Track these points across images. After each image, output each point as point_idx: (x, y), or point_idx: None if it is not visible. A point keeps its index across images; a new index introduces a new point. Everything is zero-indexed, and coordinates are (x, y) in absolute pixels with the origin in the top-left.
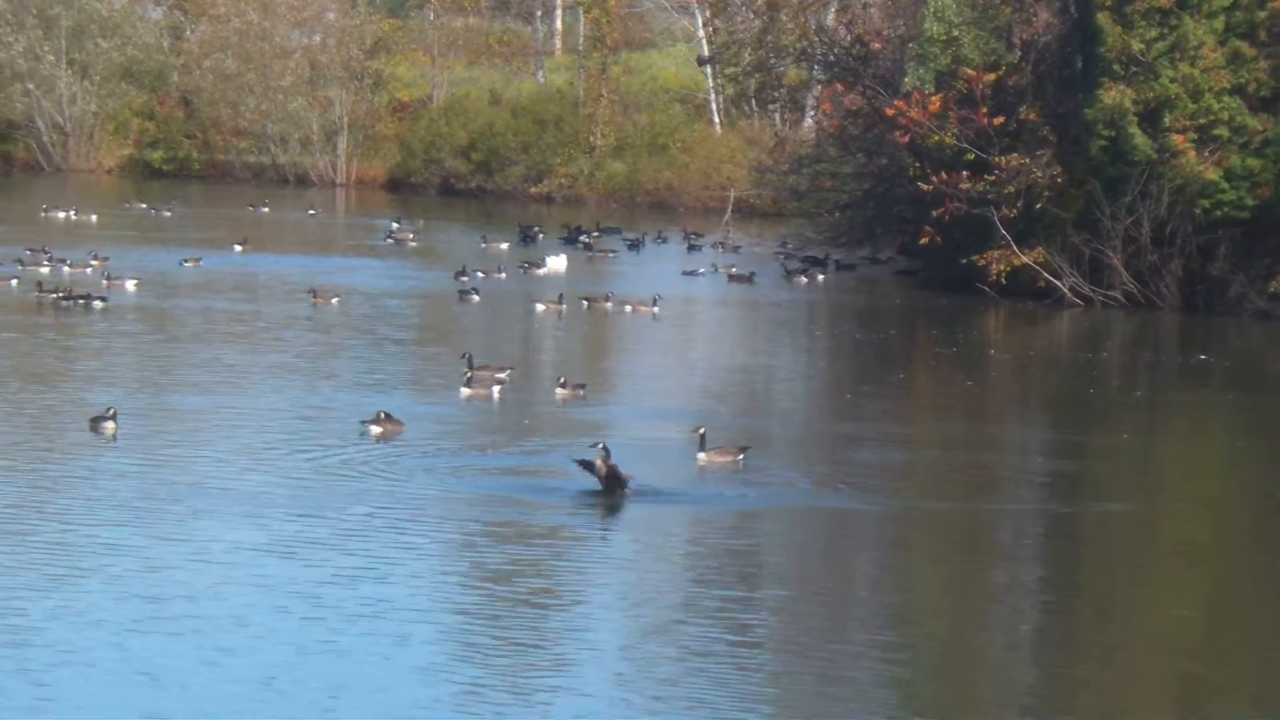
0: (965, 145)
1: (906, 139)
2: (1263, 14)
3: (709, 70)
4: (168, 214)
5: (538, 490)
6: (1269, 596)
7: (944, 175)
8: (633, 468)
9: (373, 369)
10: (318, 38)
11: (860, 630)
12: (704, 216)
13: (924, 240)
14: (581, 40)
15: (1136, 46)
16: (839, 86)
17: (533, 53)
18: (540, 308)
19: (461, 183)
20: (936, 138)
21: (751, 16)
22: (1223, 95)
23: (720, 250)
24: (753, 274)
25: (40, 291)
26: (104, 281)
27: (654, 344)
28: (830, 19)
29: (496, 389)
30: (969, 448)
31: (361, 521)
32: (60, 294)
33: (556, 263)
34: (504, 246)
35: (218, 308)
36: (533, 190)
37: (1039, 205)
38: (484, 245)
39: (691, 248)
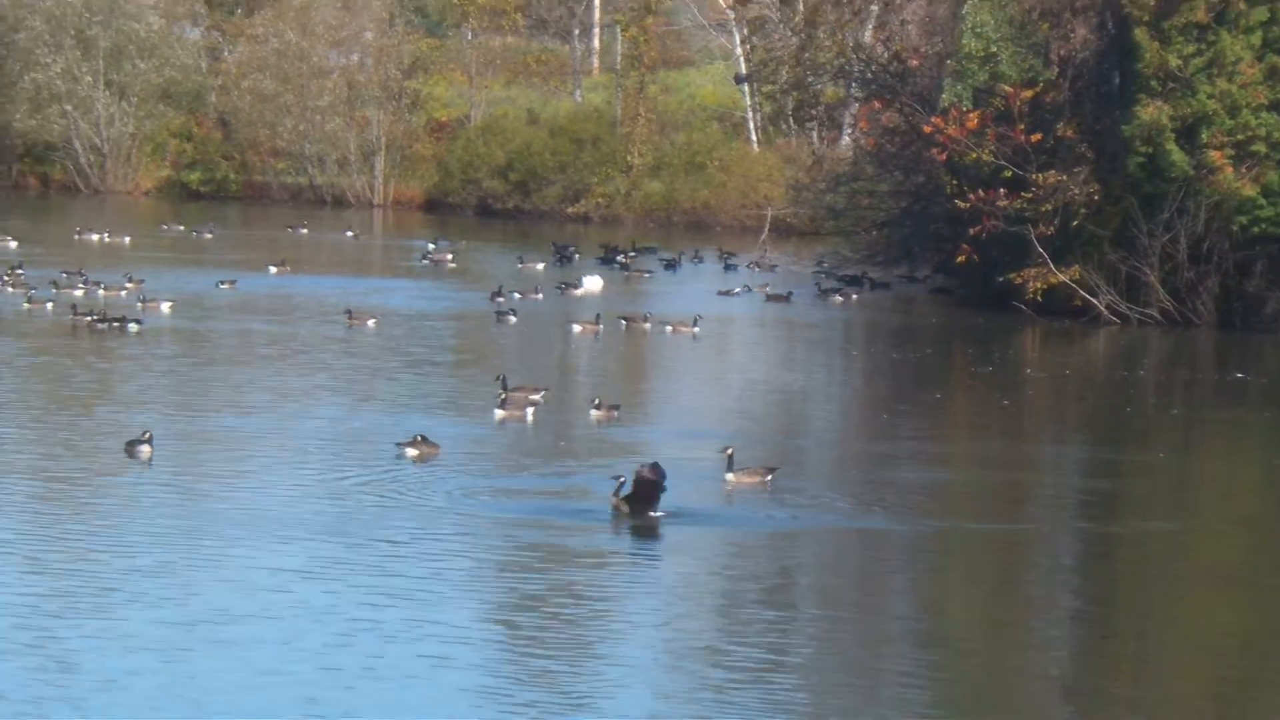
0: (1002, 162)
1: (944, 156)
2: None
3: (746, 88)
4: (209, 236)
5: (571, 512)
6: None
7: (981, 193)
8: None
9: (408, 390)
10: (355, 58)
11: (897, 650)
12: (741, 235)
13: (961, 258)
14: (619, 59)
15: (1174, 62)
16: (876, 104)
17: (570, 72)
18: (577, 328)
19: (499, 203)
20: (974, 155)
21: (789, 34)
22: (1260, 111)
23: (756, 270)
24: (790, 293)
25: (75, 314)
26: (139, 304)
27: (690, 364)
28: (868, 36)
29: (530, 411)
30: (1005, 467)
31: (399, 544)
32: (95, 317)
33: (592, 283)
34: (540, 267)
35: (253, 329)
36: (570, 210)
37: (1076, 223)
38: (520, 266)
39: (727, 267)
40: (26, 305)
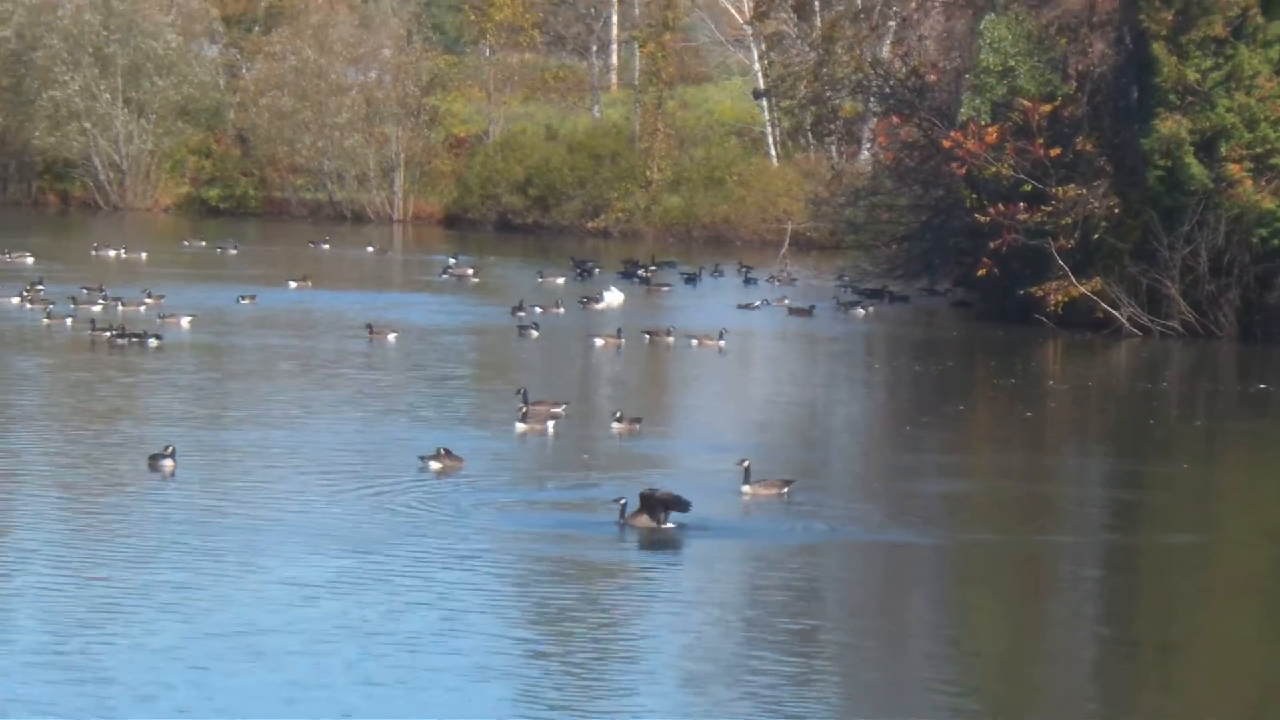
0: (1022, 176)
1: (963, 170)
2: None
3: (765, 103)
4: (233, 252)
5: (593, 525)
6: None
7: (1001, 207)
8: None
9: (430, 404)
10: (373, 74)
11: (921, 662)
12: (761, 250)
13: (981, 272)
14: (637, 75)
15: (1192, 76)
16: (895, 119)
17: (588, 88)
18: (599, 342)
19: (518, 218)
20: (993, 169)
21: (807, 49)
22: (1278, 124)
23: (776, 284)
24: (812, 307)
25: (94, 330)
26: (159, 319)
27: (712, 378)
28: (885, 51)
29: (551, 424)
30: (1029, 479)
31: (425, 556)
32: (114, 332)
33: (613, 297)
34: (560, 282)
35: (274, 344)
36: (589, 225)
37: (1096, 236)
38: (540, 281)
39: (747, 281)
40: (46, 321)
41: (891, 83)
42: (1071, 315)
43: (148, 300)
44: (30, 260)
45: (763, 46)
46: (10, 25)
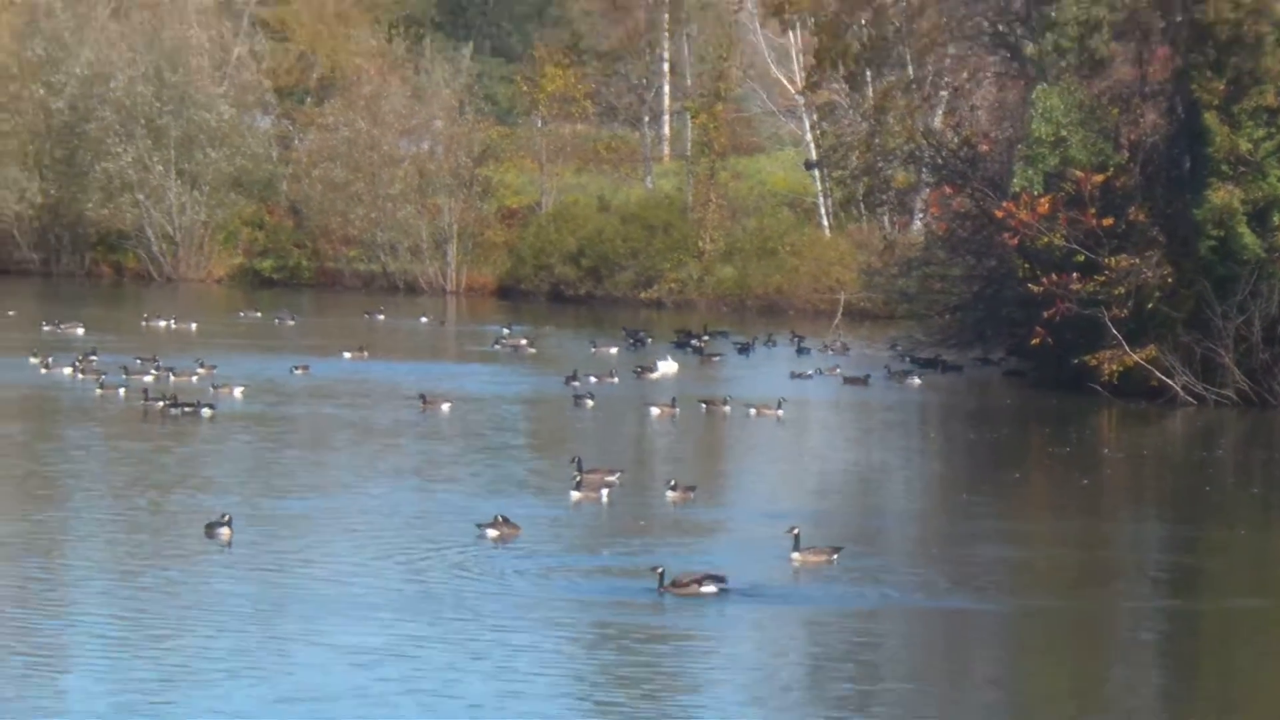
0: (1074, 246)
1: (1015, 240)
2: None
3: (816, 174)
4: (290, 323)
5: (648, 592)
6: None
7: (1054, 276)
8: (734, 568)
9: (484, 473)
10: (426, 146)
11: None
12: (814, 319)
13: (1035, 341)
14: (689, 145)
15: (1244, 146)
16: (947, 189)
17: (641, 158)
18: (655, 411)
19: (571, 289)
20: (1045, 239)
21: (859, 120)
22: None
23: (829, 353)
24: (868, 376)
25: (147, 399)
26: (212, 389)
27: (767, 446)
28: (937, 122)
29: (605, 492)
30: (1085, 545)
31: (482, 622)
32: (167, 401)
33: (667, 367)
34: (613, 351)
35: (327, 414)
36: (642, 295)
37: (1150, 305)
38: (594, 350)
39: (800, 350)
40: (99, 391)
41: (944, 153)
42: (1126, 384)
43: (200, 370)
44: (81, 331)
45: (814, 117)
46: (63, 96)
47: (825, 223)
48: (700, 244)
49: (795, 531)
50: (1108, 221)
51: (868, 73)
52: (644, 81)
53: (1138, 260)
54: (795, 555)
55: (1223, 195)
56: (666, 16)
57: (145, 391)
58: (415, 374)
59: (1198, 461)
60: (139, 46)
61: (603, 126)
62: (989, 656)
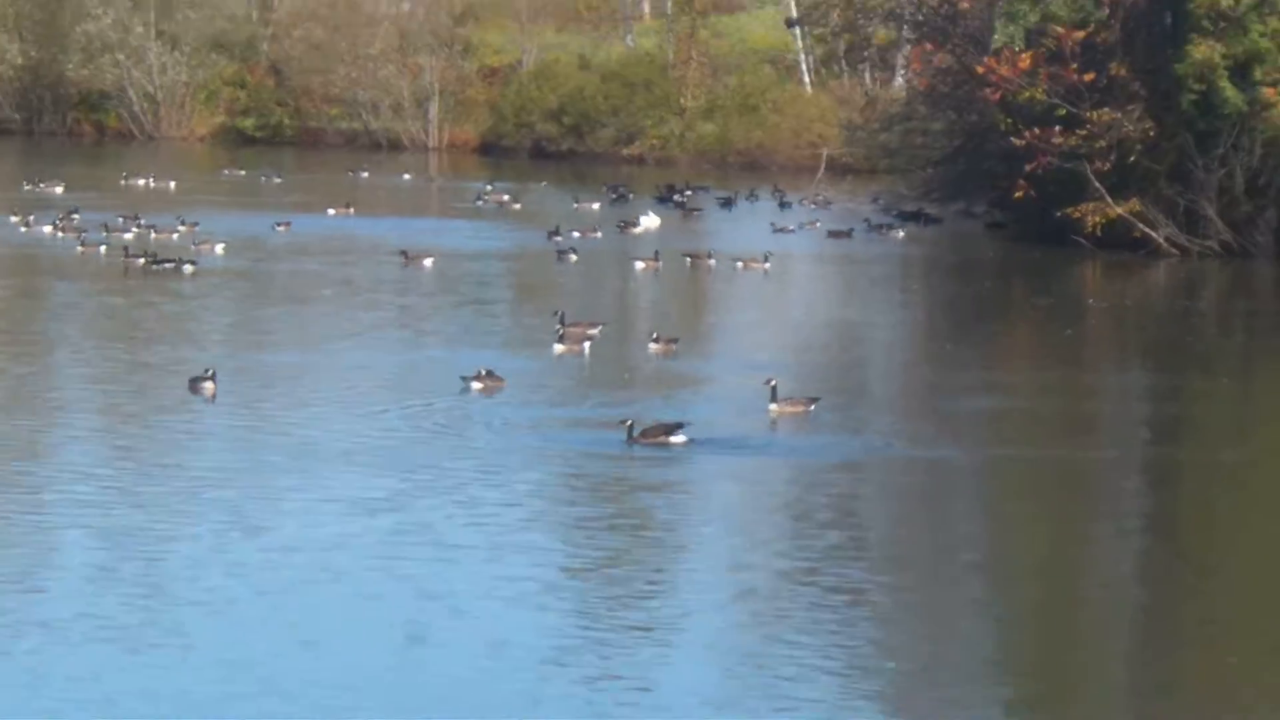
0: (1056, 101)
1: (997, 96)
2: None
3: (798, 32)
4: (277, 181)
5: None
6: None
7: (1036, 130)
8: (713, 419)
9: (468, 327)
10: (406, 6)
11: (961, 578)
12: (796, 175)
13: (1018, 194)
14: (670, 4)
15: (1225, 2)
16: (928, 45)
17: (621, 17)
18: (640, 265)
19: (553, 145)
20: (1027, 94)
21: None
22: None
23: (811, 207)
24: (851, 229)
25: (127, 256)
26: (193, 246)
27: (750, 299)
28: None
29: (587, 345)
30: (1068, 395)
31: (469, 474)
32: (148, 258)
33: (649, 221)
34: (595, 207)
35: (309, 270)
36: (624, 152)
37: (1132, 158)
38: (576, 206)
39: (783, 205)
40: (80, 249)
41: (924, 10)
42: (1109, 236)
43: (181, 228)
44: (60, 190)
45: None
46: None
47: (807, 80)
48: (681, 101)
49: (772, 383)
50: (1089, 76)
51: None
52: None
53: (1119, 115)
54: (772, 406)
55: (1204, 50)
56: None
57: (126, 249)
58: (398, 230)
59: (1180, 311)
60: None
61: None
62: (969, 507)
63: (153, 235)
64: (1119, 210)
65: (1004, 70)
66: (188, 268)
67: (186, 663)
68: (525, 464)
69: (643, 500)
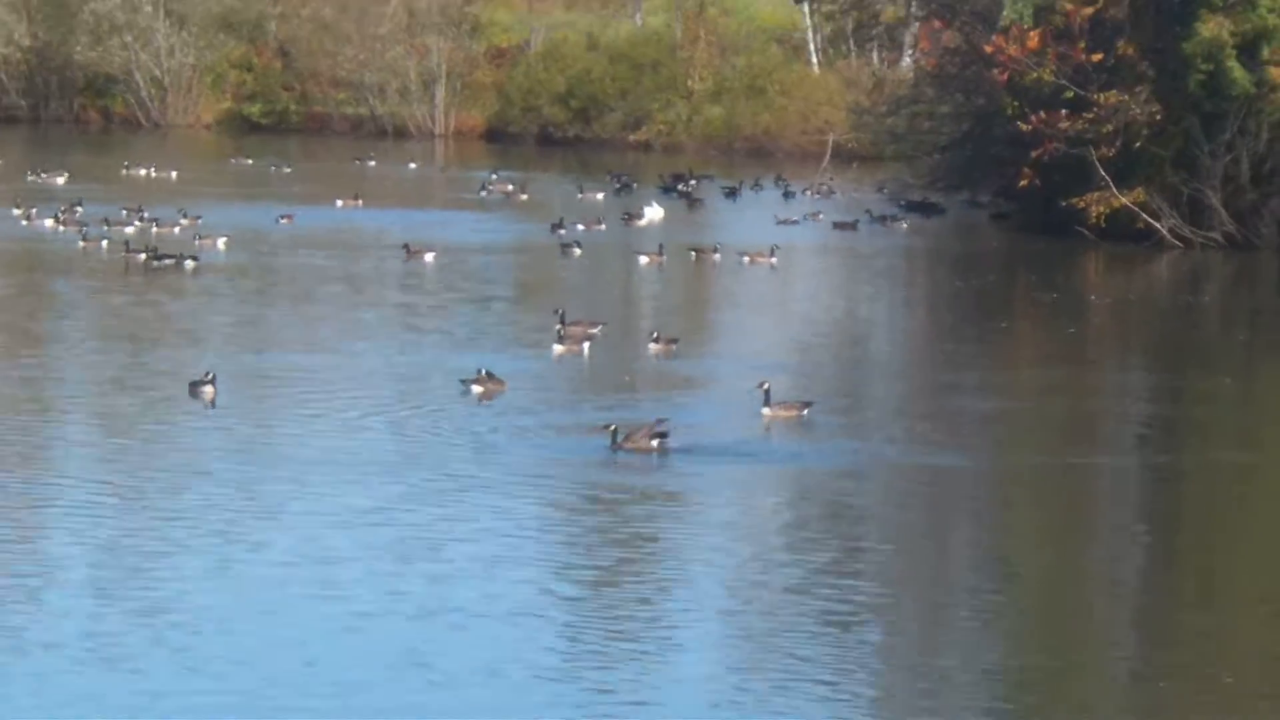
0: (1063, 82)
1: (1005, 76)
2: None
3: (806, 8)
4: (287, 170)
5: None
6: None
7: (1042, 114)
8: (709, 422)
9: (469, 326)
10: None
11: (965, 585)
12: (802, 161)
13: (1023, 183)
14: None
15: None
16: (937, 23)
17: None
18: (644, 260)
19: (559, 131)
20: (1034, 75)
21: None
22: None
23: (815, 196)
24: (856, 221)
25: (128, 252)
26: (195, 241)
27: (753, 295)
28: None
29: (587, 345)
30: (1071, 395)
31: (467, 481)
32: (149, 254)
33: (654, 213)
34: (600, 197)
35: (312, 265)
36: (631, 138)
37: (1138, 144)
38: (580, 196)
39: (787, 195)
40: (82, 244)
41: None
42: (1113, 227)
43: (184, 221)
44: (61, 181)
45: None
46: None
47: (814, 59)
48: (689, 83)
49: (765, 386)
50: (1097, 56)
51: None
52: None
53: (1126, 97)
54: (765, 410)
55: (1212, 27)
56: None
57: (127, 244)
58: (403, 222)
59: (1184, 307)
60: None
61: None
62: (968, 515)
63: (154, 229)
64: (1123, 200)
65: (1012, 49)
66: (189, 264)
67: (182, 679)
68: (522, 472)
69: (636, 510)
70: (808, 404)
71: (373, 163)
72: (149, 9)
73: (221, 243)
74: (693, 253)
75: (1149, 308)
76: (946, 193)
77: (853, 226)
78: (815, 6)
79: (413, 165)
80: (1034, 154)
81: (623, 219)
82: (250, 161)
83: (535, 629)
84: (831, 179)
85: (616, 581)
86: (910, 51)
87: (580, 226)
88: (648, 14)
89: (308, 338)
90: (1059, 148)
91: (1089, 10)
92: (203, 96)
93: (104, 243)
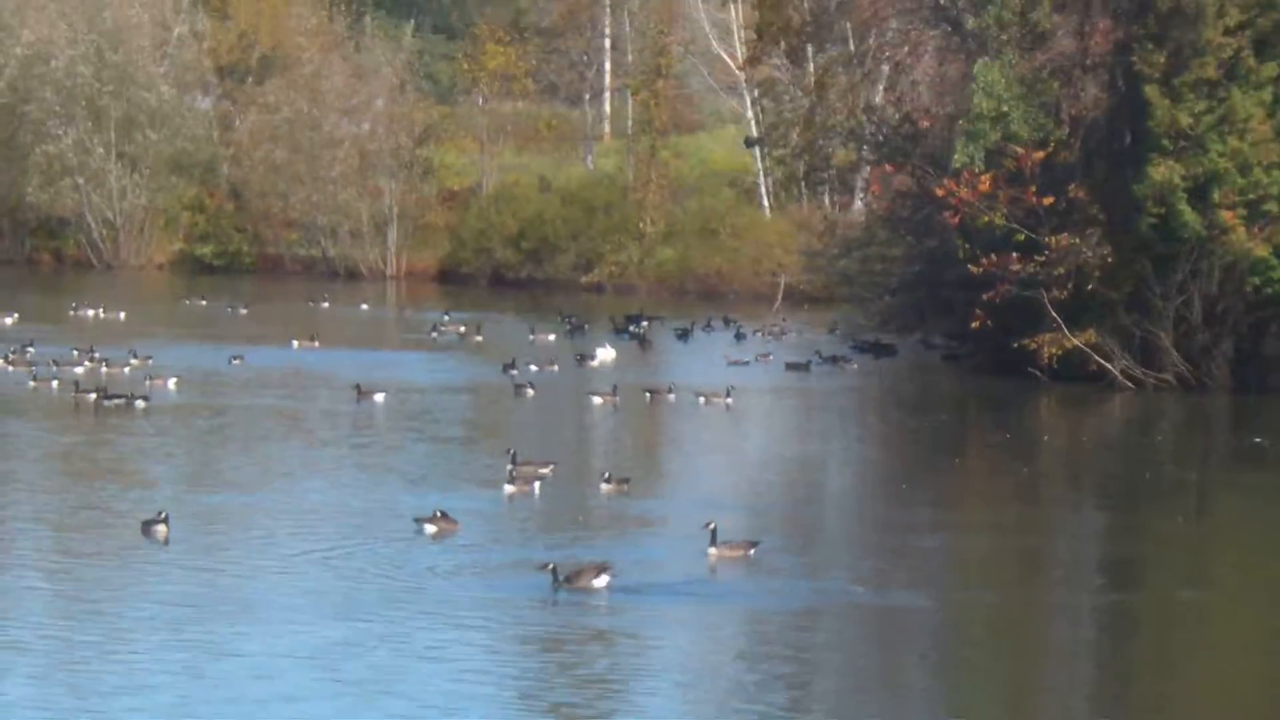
0: (1015, 225)
1: (956, 219)
2: None
3: (758, 151)
4: (244, 312)
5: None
6: None
7: (994, 257)
8: (656, 562)
9: (422, 466)
10: (366, 126)
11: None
12: (754, 303)
13: (975, 324)
14: (630, 123)
15: (1185, 120)
16: (888, 167)
17: (582, 137)
18: (597, 400)
19: (512, 272)
20: (986, 218)
21: (800, 96)
22: (1272, 169)
23: (766, 337)
24: (809, 362)
25: (78, 391)
26: (146, 381)
27: (707, 436)
28: (879, 98)
29: (537, 485)
30: (1023, 534)
31: (419, 623)
32: (99, 394)
33: (605, 354)
34: (552, 338)
35: (261, 405)
36: (583, 280)
37: (1090, 286)
38: (532, 338)
39: (739, 335)
40: (32, 384)
41: (885, 129)
42: (1065, 368)
43: (134, 361)
44: (9, 322)
45: (755, 93)
46: (3, 78)
47: (766, 203)
48: (641, 225)
49: (711, 526)
50: (1048, 200)
51: (809, 48)
52: (585, 58)
53: (1078, 239)
54: (711, 550)
55: (1163, 171)
56: None
57: (77, 384)
58: (355, 363)
59: (1136, 447)
60: (80, 25)
61: (544, 104)
62: (919, 655)
63: (104, 370)
64: (1075, 341)
65: (963, 192)
66: (140, 403)
67: None
68: (473, 613)
69: (586, 649)
70: (754, 543)
71: (326, 304)
72: (100, 151)
73: (172, 383)
74: (647, 394)
75: (1102, 447)
76: (899, 334)
77: (805, 367)
78: (767, 151)
79: (365, 306)
80: (986, 296)
81: (576, 360)
82: (205, 302)
83: None
84: (784, 320)
85: (569, 714)
86: (862, 195)
87: (534, 367)
88: (599, 156)
89: (260, 477)
90: (1010, 289)
91: (1040, 155)
92: (155, 238)
93: (54, 383)
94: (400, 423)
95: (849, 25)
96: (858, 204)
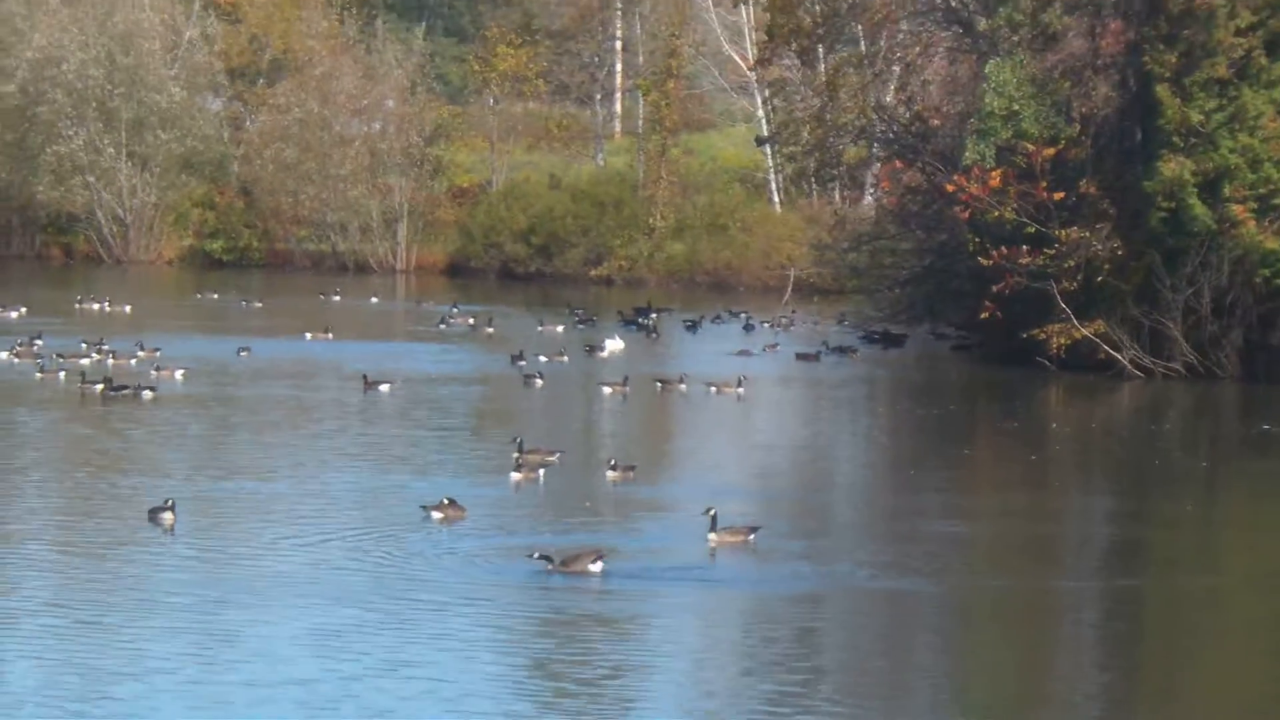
0: (1025, 220)
1: (966, 214)
2: None
3: (768, 150)
4: (259, 305)
5: (576, 577)
6: None
7: (1003, 250)
8: (658, 548)
9: (429, 454)
10: (377, 126)
11: (920, 712)
12: (764, 295)
13: (984, 315)
14: (641, 123)
15: (1195, 118)
16: (898, 163)
17: (592, 136)
18: (607, 390)
19: (521, 266)
20: (996, 213)
21: (810, 95)
22: None
23: (774, 329)
24: (819, 352)
25: (84, 382)
26: (153, 372)
27: (715, 425)
28: (889, 96)
29: (542, 472)
30: (1033, 520)
31: (427, 609)
32: (105, 385)
33: (614, 345)
34: (560, 330)
35: (268, 395)
36: (592, 273)
37: (1099, 279)
38: (540, 329)
39: (748, 327)
40: (39, 375)
41: (895, 128)
42: (1074, 358)
43: (140, 353)
44: (14, 315)
45: (766, 93)
46: (14, 80)
47: (776, 199)
48: (650, 221)
49: (712, 512)
50: (1058, 195)
51: (820, 49)
52: (596, 59)
53: (1088, 233)
54: (711, 536)
55: (1173, 167)
56: None
57: (83, 375)
58: (364, 354)
59: (1145, 435)
60: (90, 30)
61: (554, 104)
62: (925, 641)
63: (110, 361)
64: (1084, 332)
65: (973, 188)
66: (146, 394)
67: None
68: (479, 599)
69: (586, 636)
70: (754, 529)
71: (337, 297)
72: (111, 151)
73: (180, 374)
74: (658, 384)
75: (1111, 435)
76: (908, 324)
77: (815, 358)
78: (778, 148)
79: (374, 299)
80: (995, 288)
81: (585, 351)
82: (217, 296)
83: None
84: (794, 312)
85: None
86: (872, 190)
87: (543, 358)
88: (610, 155)
89: (267, 465)
90: (1020, 282)
91: (1051, 151)
92: (165, 234)
93: (61, 374)
94: (408, 412)
95: (860, 27)
96: (868, 199)
